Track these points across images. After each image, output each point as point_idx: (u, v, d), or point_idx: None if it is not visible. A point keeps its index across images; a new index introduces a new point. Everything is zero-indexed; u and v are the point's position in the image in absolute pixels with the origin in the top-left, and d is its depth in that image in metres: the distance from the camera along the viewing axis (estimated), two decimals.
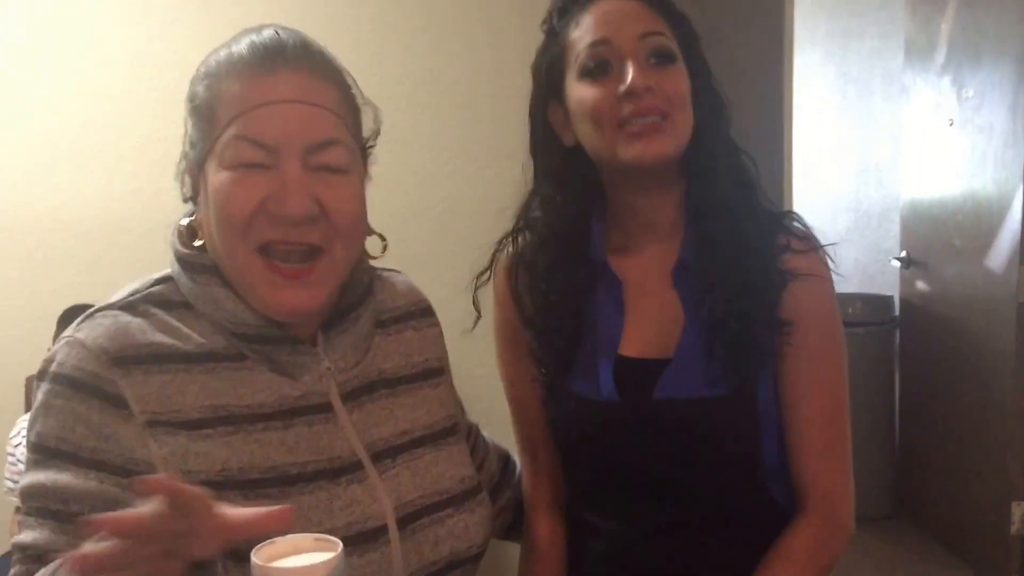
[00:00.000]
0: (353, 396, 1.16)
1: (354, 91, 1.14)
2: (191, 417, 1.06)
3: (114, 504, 1.01)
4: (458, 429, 1.28)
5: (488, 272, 1.41)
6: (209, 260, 1.10)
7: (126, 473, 1.03)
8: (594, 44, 1.28)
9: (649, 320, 1.34)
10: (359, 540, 1.08)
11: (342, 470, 1.12)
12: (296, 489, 1.08)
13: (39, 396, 1.06)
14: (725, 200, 1.31)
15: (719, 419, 1.27)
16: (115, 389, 1.04)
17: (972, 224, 3.28)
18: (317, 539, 0.87)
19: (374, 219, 1.17)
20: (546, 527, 1.40)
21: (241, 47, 1.07)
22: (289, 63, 1.05)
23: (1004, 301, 3.07)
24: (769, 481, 1.31)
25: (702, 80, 1.32)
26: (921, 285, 3.63)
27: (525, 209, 1.39)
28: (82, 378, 1.04)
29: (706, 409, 1.27)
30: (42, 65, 2.80)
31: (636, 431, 1.28)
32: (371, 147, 1.17)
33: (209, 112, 1.06)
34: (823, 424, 1.31)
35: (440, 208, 2.91)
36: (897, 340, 3.73)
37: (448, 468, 1.21)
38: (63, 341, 1.07)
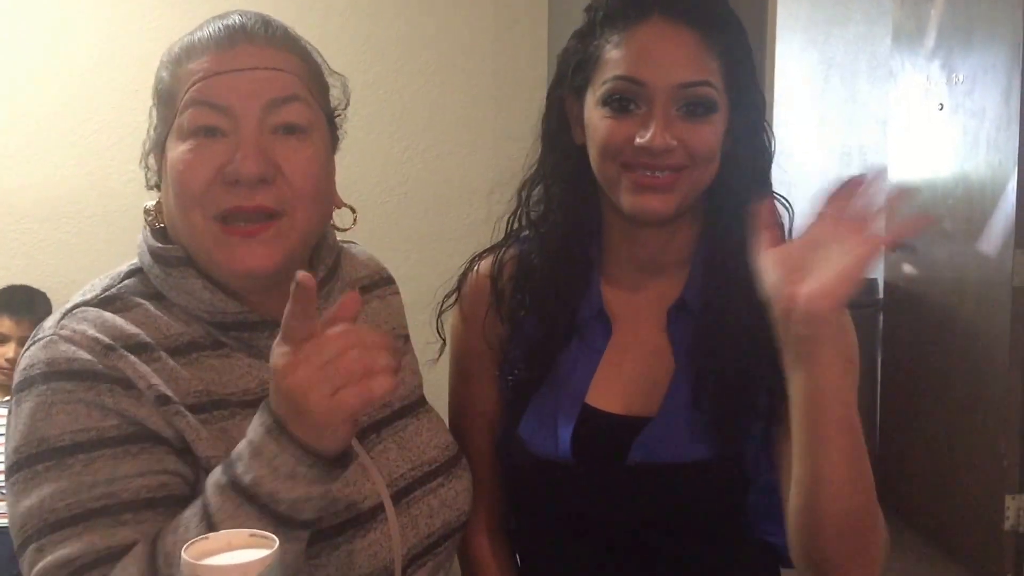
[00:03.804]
0: None
1: (321, 65, 1.13)
2: (188, 402, 1.02)
3: (175, 480, 0.98)
4: (424, 397, 1.26)
5: (455, 295, 1.32)
6: (181, 251, 1.07)
7: (166, 443, 0.98)
8: (625, 79, 1.14)
9: (632, 369, 1.22)
10: (360, 521, 1.07)
11: None
12: None
13: (26, 404, 0.97)
14: (741, 242, 1.16)
15: (700, 484, 1.16)
16: (118, 372, 0.98)
17: (964, 207, 3.27)
18: (252, 535, 0.83)
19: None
20: (489, 551, 1.31)
21: (203, 31, 1.07)
22: (251, 38, 1.05)
23: (998, 285, 3.06)
24: (758, 526, 1.19)
25: (747, 122, 1.19)
26: (907, 268, 3.63)
27: (525, 194, 1.29)
28: (80, 368, 0.97)
29: (686, 474, 1.16)
30: (2, 48, 2.72)
31: (603, 495, 1.18)
32: (339, 116, 1.15)
33: (170, 96, 1.05)
34: None
35: (400, 191, 2.90)
36: (880, 323, 3.72)
37: (431, 436, 1.20)
38: (40, 343, 1.00)
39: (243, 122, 1.02)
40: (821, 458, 1.02)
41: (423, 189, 2.93)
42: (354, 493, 1.08)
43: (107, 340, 1.00)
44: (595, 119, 1.17)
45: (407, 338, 1.28)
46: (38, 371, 0.97)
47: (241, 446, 0.92)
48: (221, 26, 1.07)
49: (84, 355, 0.98)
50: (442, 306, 1.33)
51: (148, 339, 1.03)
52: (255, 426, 0.92)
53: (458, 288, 1.33)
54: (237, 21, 1.07)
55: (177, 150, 1.03)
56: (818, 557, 1.07)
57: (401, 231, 2.88)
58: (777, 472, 1.17)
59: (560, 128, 1.24)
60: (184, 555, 0.80)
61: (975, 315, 3.23)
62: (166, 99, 1.06)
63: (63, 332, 1.00)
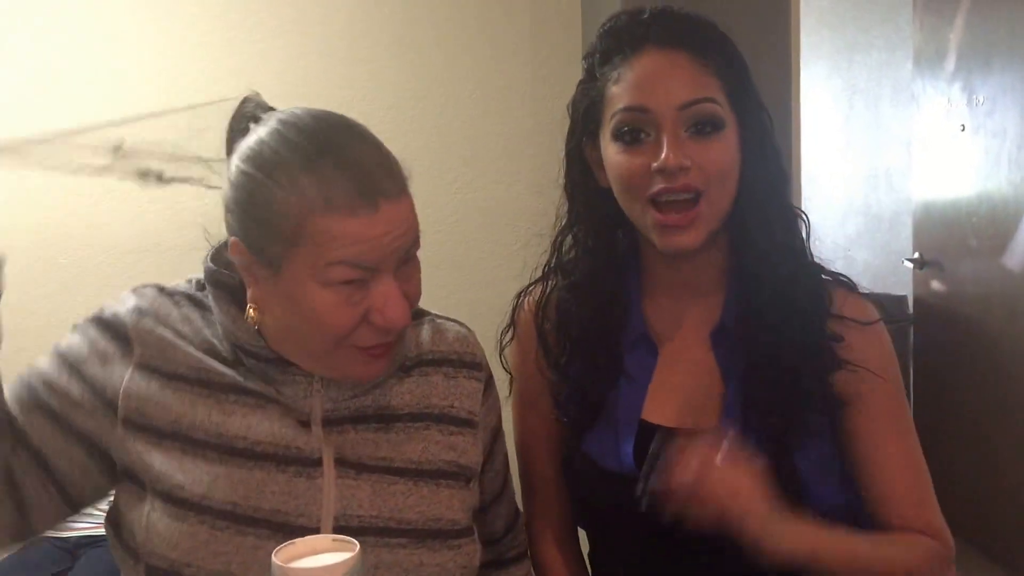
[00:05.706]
0: (335, 422, 1.14)
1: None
2: (170, 370, 1.12)
3: (80, 413, 1.11)
4: (461, 478, 1.20)
5: (511, 329, 1.36)
6: (228, 278, 1.14)
7: (100, 395, 1.11)
8: (630, 109, 1.17)
9: (682, 386, 1.26)
10: (277, 528, 1.08)
11: (294, 461, 1.11)
12: (235, 461, 1.09)
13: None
14: (770, 266, 1.22)
15: None
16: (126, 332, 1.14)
17: (988, 225, 3.35)
18: (335, 539, 0.91)
19: None
20: (560, 560, 1.36)
21: (332, 174, 1.04)
22: (386, 193, 1.05)
23: (1023, 298, 3.14)
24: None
25: (756, 139, 1.21)
26: (936, 285, 3.71)
27: (557, 247, 1.33)
28: (112, 320, 1.16)
29: None
30: (80, 84, 2.85)
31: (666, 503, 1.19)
32: None
33: (293, 229, 1.05)
34: (904, 479, 1.26)
35: (448, 223, 2.99)
36: (912, 338, 3.79)
37: (421, 503, 1.14)
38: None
39: (383, 276, 1.06)
40: None
41: (464, 222, 3.00)
42: (291, 506, 1.08)
43: (146, 311, 1.15)
44: (611, 156, 1.20)
45: (468, 422, 1.22)
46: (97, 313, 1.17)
47: None
48: (354, 174, 1.04)
49: (121, 317, 1.15)
50: (502, 342, 1.37)
51: (177, 333, 1.14)
52: None
53: (512, 324, 1.37)
54: (376, 180, 1.05)
55: (319, 295, 1.05)
56: None
57: (455, 259, 2.96)
58: (831, 482, 1.23)
59: (584, 176, 1.27)
60: (274, 559, 0.86)
61: (1003, 328, 3.30)
62: (284, 229, 1.04)
63: (124, 297, 1.18)
